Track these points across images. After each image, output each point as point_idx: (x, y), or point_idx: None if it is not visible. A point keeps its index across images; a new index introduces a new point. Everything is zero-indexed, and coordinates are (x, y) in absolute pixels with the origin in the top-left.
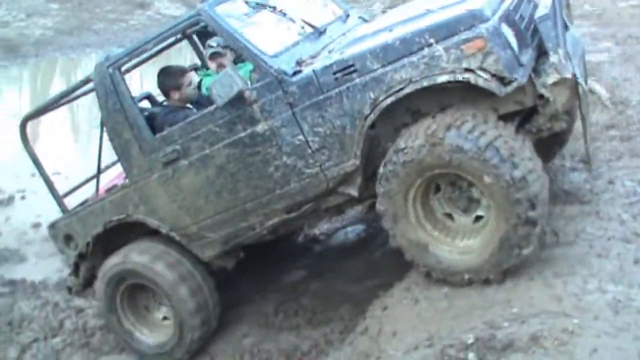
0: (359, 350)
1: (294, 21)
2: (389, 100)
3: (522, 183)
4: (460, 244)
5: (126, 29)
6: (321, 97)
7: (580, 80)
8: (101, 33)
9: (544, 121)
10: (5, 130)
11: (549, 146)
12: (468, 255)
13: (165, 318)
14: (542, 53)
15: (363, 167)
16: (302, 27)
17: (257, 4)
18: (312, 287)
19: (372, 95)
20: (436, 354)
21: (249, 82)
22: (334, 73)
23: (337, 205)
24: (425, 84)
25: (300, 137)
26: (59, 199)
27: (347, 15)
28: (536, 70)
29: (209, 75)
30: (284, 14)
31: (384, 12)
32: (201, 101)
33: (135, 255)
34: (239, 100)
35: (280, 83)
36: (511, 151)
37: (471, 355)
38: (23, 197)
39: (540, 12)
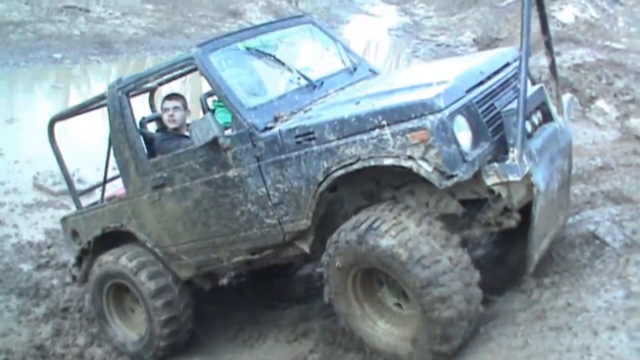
0: None
1: (291, 71)
2: (339, 172)
3: (434, 283)
4: (397, 332)
5: (216, 35)
6: (283, 156)
7: (537, 180)
8: (192, 37)
9: (494, 215)
10: (91, 122)
11: None
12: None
13: (141, 320)
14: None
15: (315, 228)
16: (298, 78)
17: (258, 51)
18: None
19: (325, 165)
20: None
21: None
22: (296, 137)
23: (297, 255)
24: (372, 163)
25: (263, 189)
26: (75, 195)
27: (355, 68)
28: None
29: (221, 105)
30: (283, 64)
31: (473, 41)
32: None
33: (125, 259)
34: (215, 144)
35: (251, 136)
36: (423, 252)
37: None
38: None
39: (508, 106)
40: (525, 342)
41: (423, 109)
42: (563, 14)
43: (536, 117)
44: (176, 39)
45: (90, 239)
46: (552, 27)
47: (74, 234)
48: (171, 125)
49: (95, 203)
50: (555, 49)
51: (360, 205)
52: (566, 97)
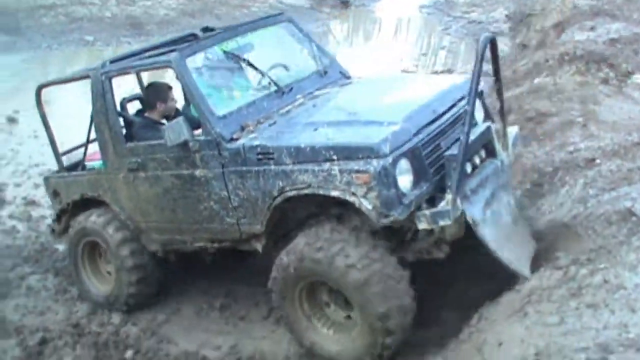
0: (461, 358)
1: (262, 76)
2: (292, 193)
3: (368, 284)
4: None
5: (247, 15)
6: (244, 168)
7: (472, 214)
8: (223, 17)
9: (426, 246)
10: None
11: None
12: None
13: (109, 273)
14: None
15: (269, 232)
16: (269, 83)
17: (233, 54)
18: (414, 289)
19: (280, 184)
20: None
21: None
22: (257, 154)
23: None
24: (321, 192)
25: (225, 192)
26: (58, 156)
27: (326, 71)
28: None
29: None
30: (255, 68)
31: (505, 17)
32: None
33: (94, 217)
34: (185, 145)
35: (217, 145)
36: (355, 257)
37: None
38: None
39: (450, 150)
40: (561, 320)
41: (369, 152)
42: None
43: (478, 157)
44: (207, 19)
45: (69, 201)
46: (588, 1)
47: (55, 194)
48: (167, 114)
49: (78, 163)
50: (590, 23)
51: (312, 213)
52: (512, 131)
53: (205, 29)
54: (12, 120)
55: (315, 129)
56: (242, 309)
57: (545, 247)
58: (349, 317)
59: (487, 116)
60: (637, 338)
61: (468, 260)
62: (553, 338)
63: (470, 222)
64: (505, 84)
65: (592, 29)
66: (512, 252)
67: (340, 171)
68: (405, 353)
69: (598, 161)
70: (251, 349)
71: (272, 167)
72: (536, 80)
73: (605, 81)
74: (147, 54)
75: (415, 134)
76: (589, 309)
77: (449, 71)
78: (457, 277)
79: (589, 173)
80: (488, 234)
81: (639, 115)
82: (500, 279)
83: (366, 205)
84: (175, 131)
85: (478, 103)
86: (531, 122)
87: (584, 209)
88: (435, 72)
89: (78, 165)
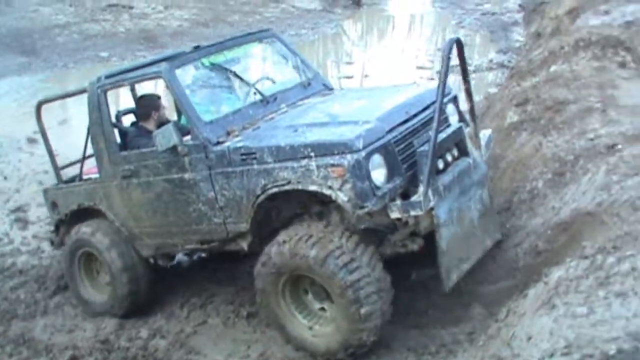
0: (491, 354)
1: (248, 86)
2: (274, 190)
3: (355, 286)
4: (323, 329)
5: (260, 21)
6: (230, 169)
7: (438, 213)
8: (236, 25)
9: (400, 238)
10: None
11: None
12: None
13: (107, 284)
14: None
15: (254, 230)
16: (254, 93)
17: (220, 66)
18: (449, 291)
19: (263, 182)
20: None
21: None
22: (241, 155)
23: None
24: (300, 187)
25: (212, 193)
26: (57, 169)
27: (309, 83)
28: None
29: None
30: (241, 79)
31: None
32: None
33: (84, 227)
34: (175, 150)
35: (204, 148)
36: (345, 260)
37: None
38: None
39: (423, 147)
40: (590, 310)
41: (344, 147)
42: None
43: (451, 155)
44: (220, 27)
45: (67, 211)
46: None
47: (54, 205)
48: (161, 122)
49: (75, 177)
50: (604, 7)
51: (296, 213)
52: (486, 133)
53: (197, 47)
54: (32, 140)
55: (295, 130)
56: None
57: (570, 236)
58: (323, 309)
59: (461, 119)
60: None
61: (494, 255)
62: (583, 329)
63: (435, 221)
64: (521, 74)
65: (607, 12)
66: (460, 253)
67: (317, 166)
68: (436, 351)
69: (619, 147)
70: (280, 355)
71: (255, 166)
72: (552, 69)
73: (622, 65)
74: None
75: (389, 132)
76: (617, 297)
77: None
78: (484, 273)
79: (610, 159)
80: (445, 236)
81: None
82: (527, 272)
83: (342, 197)
84: (165, 136)
85: (452, 107)
86: (550, 111)
87: (607, 195)
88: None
89: (75, 179)
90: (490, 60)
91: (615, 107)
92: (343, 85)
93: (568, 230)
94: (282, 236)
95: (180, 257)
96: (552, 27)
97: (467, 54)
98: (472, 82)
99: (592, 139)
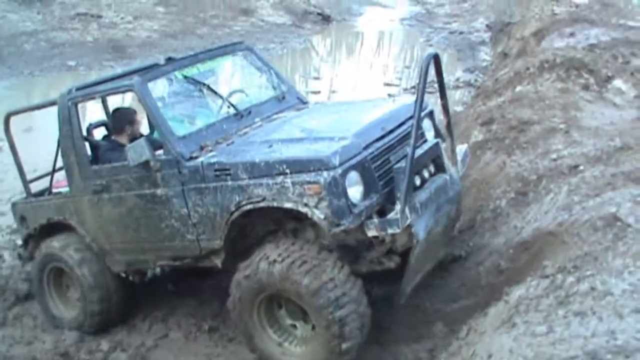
0: None
1: (221, 99)
2: (249, 207)
3: (342, 321)
4: (293, 349)
5: (230, 34)
6: (203, 185)
7: (417, 231)
8: (205, 37)
9: (377, 255)
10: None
11: None
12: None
13: (78, 300)
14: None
15: (227, 247)
16: (228, 107)
17: (194, 80)
18: (404, 302)
19: (237, 198)
20: None
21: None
22: (215, 170)
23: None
24: (275, 204)
25: (185, 210)
26: (25, 183)
27: (284, 97)
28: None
29: None
30: (215, 92)
31: (486, 27)
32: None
33: (55, 242)
34: (147, 165)
35: (177, 163)
36: (324, 279)
37: None
38: None
39: (399, 164)
40: (550, 328)
41: (320, 164)
42: None
43: (427, 171)
44: (189, 40)
45: (36, 225)
46: (566, 8)
47: (22, 219)
48: (134, 137)
49: (44, 190)
50: (569, 29)
51: (270, 230)
52: (462, 149)
53: (169, 59)
54: None
55: (270, 146)
56: (231, 330)
57: (532, 255)
58: (294, 326)
59: (438, 135)
60: (626, 344)
61: (456, 273)
62: (542, 348)
63: (414, 239)
64: (487, 93)
65: (572, 35)
66: (420, 266)
67: (293, 183)
68: None
69: (582, 168)
70: None
71: (229, 182)
72: (518, 89)
73: (586, 87)
74: (109, 81)
75: (365, 148)
76: (576, 317)
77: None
78: (446, 290)
79: (572, 180)
80: (418, 253)
81: (620, 120)
82: (488, 291)
83: (318, 215)
84: (137, 151)
85: (428, 122)
86: (514, 130)
87: (569, 216)
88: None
89: (44, 192)
90: (457, 79)
91: (578, 129)
92: (311, 100)
93: (530, 249)
94: (272, 254)
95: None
96: (519, 48)
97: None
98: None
99: (555, 160)
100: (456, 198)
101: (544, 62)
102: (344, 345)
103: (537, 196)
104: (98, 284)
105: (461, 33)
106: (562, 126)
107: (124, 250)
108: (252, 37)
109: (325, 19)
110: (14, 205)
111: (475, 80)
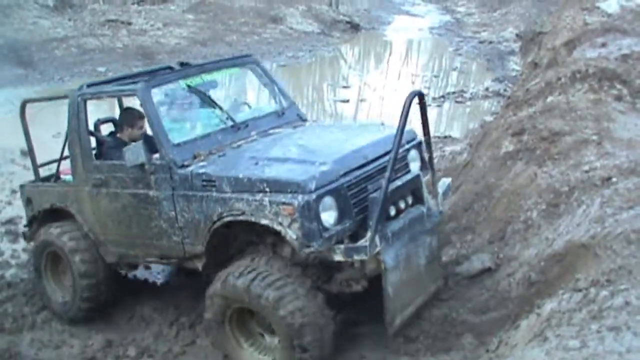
0: None
1: (221, 111)
2: (229, 218)
3: (295, 315)
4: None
5: (258, 42)
6: (191, 193)
7: (386, 259)
8: (234, 45)
9: (346, 278)
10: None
11: None
12: None
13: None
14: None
15: (209, 253)
16: (226, 118)
17: (196, 89)
18: (435, 313)
19: (219, 209)
20: None
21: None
22: (202, 181)
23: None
24: (253, 219)
25: (173, 213)
26: (35, 166)
27: (283, 112)
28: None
29: None
30: (215, 103)
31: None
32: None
33: (52, 229)
34: (142, 166)
35: (169, 169)
36: (286, 292)
37: None
38: None
39: (375, 193)
40: (583, 343)
41: (296, 187)
42: (608, 4)
43: (404, 202)
44: (218, 47)
45: (40, 209)
46: (598, 18)
47: (29, 201)
48: (134, 139)
49: (52, 176)
50: (601, 39)
51: (250, 240)
52: (445, 182)
53: (182, 64)
54: (25, 153)
55: (256, 163)
56: None
57: (563, 268)
58: (262, 335)
59: (424, 166)
60: None
61: (486, 285)
62: None
63: (382, 267)
64: (517, 104)
65: (604, 45)
66: (405, 299)
67: (270, 202)
68: None
69: (614, 179)
70: None
71: (214, 193)
72: (549, 99)
73: (618, 98)
74: (120, 82)
75: (343, 175)
76: (610, 331)
77: (462, 92)
78: (475, 302)
79: (605, 192)
80: (392, 281)
81: None
82: (519, 303)
83: (290, 234)
84: (134, 153)
85: (415, 153)
86: (545, 141)
87: (601, 228)
88: (448, 94)
89: (52, 178)
90: (487, 89)
91: (610, 140)
92: (339, 109)
93: (561, 262)
94: (239, 267)
95: (169, 275)
96: (549, 58)
97: (464, 81)
98: (468, 110)
99: (587, 171)
100: (434, 230)
101: (576, 73)
102: (305, 356)
103: (569, 208)
104: (89, 272)
105: (490, 42)
106: (594, 137)
107: (117, 243)
108: (281, 44)
109: (354, 27)
110: (22, 187)
111: (505, 90)
